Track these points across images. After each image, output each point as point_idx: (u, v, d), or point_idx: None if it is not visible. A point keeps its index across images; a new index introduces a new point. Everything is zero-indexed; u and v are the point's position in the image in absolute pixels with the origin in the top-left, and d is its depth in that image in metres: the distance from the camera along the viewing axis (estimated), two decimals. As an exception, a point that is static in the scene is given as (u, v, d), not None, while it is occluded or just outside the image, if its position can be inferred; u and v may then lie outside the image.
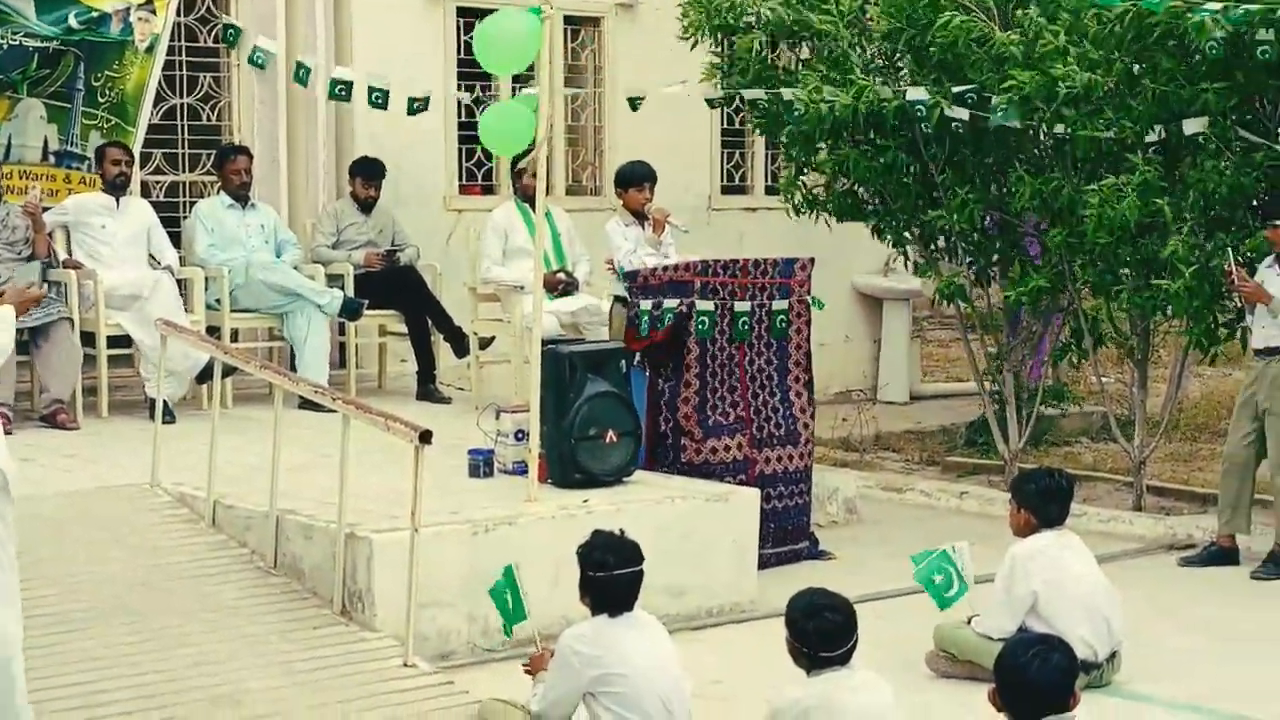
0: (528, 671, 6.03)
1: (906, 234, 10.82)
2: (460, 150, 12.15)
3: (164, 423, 8.40)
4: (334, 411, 7.30)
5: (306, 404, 9.13)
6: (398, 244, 11.18)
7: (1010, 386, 10.90)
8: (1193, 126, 9.05)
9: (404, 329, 10.98)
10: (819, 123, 9.91)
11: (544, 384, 7.75)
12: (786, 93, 10.10)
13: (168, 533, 7.54)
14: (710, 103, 11.24)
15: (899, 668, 6.71)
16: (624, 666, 5.49)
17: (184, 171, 11.33)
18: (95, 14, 9.98)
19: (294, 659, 6.51)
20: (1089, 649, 6.73)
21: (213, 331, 10.02)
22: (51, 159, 10.31)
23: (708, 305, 8.72)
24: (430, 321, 10.92)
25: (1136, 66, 9.30)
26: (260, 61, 11.07)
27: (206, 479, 7.67)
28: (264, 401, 9.19)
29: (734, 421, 8.87)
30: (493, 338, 10.85)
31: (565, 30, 12.59)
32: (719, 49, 10.91)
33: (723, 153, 13.62)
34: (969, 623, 7.01)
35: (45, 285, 9.35)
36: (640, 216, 9.77)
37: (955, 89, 9.67)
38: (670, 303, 8.66)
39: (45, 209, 9.82)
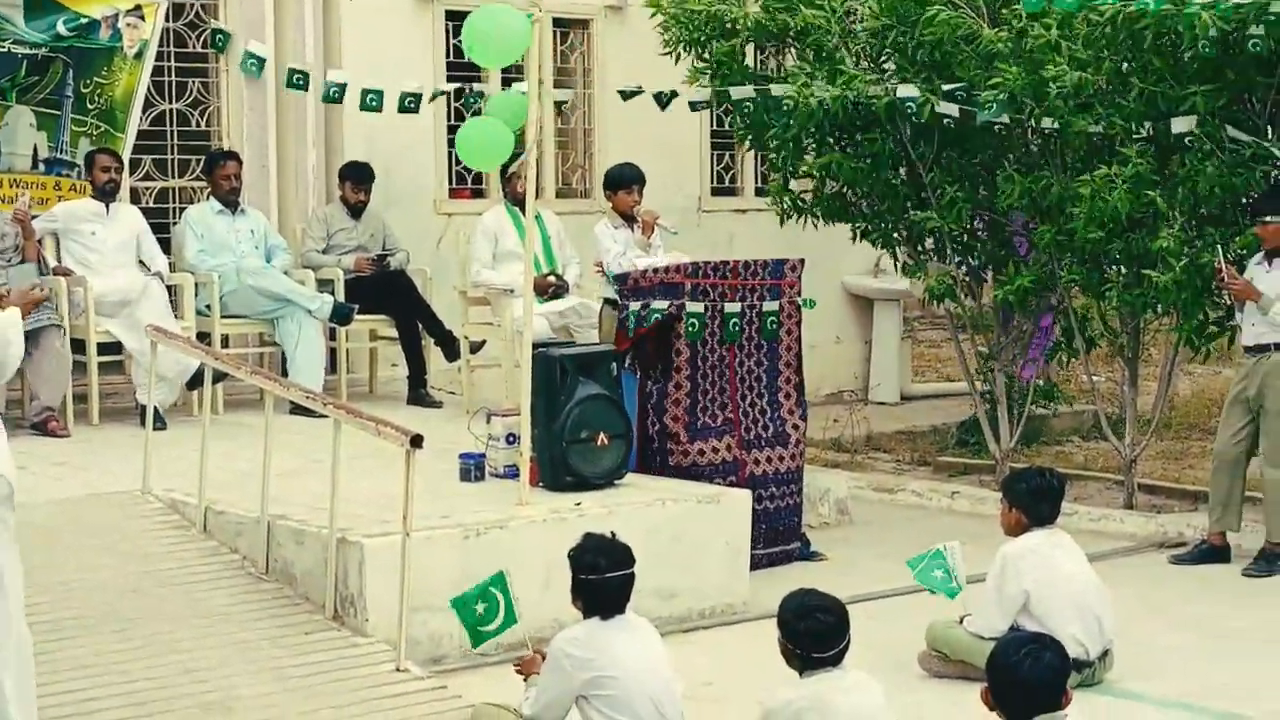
0: (519, 671, 6.03)
1: (894, 235, 10.83)
2: (450, 154, 12.13)
3: (155, 429, 8.38)
4: (325, 416, 7.31)
5: (297, 409, 9.14)
6: (388, 248, 11.17)
7: (1001, 386, 10.91)
8: (1180, 125, 9.07)
9: (394, 333, 10.97)
10: (808, 119, 9.92)
11: (535, 387, 7.75)
12: (776, 89, 10.11)
13: (159, 539, 7.54)
14: (693, 105, 11.23)
15: (891, 668, 6.73)
16: (616, 669, 5.49)
17: (173, 177, 11.32)
18: (84, 20, 9.98)
19: (286, 665, 6.51)
20: (1080, 647, 6.73)
21: (203, 337, 10.01)
22: (41, 166, 10.30)
23: (698, 307, 8.73)
24: (421, 326, 10.91)
25: (1125, 65, 9.30)
26: (253, 70, 11.06)
27: (198, 485, 7.67)
28: (255, 407, 9.20)
29: (722, 423, 8.87)
30: (483, 341, 10.86)
31: (554, 32, 12.60)
32: (702, 55, 10.89)
33: (712, 154, 13.63)
34: (961, 622, 7.02)
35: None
36: (629, 219, 9.78)
37: (945, 87, 9.68)
38: (659, 304, 8.67)
39: (34, 216, 9.81)
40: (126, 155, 10.40)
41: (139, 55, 10.26)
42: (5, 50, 9.86)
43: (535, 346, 7.93)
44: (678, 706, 5.61)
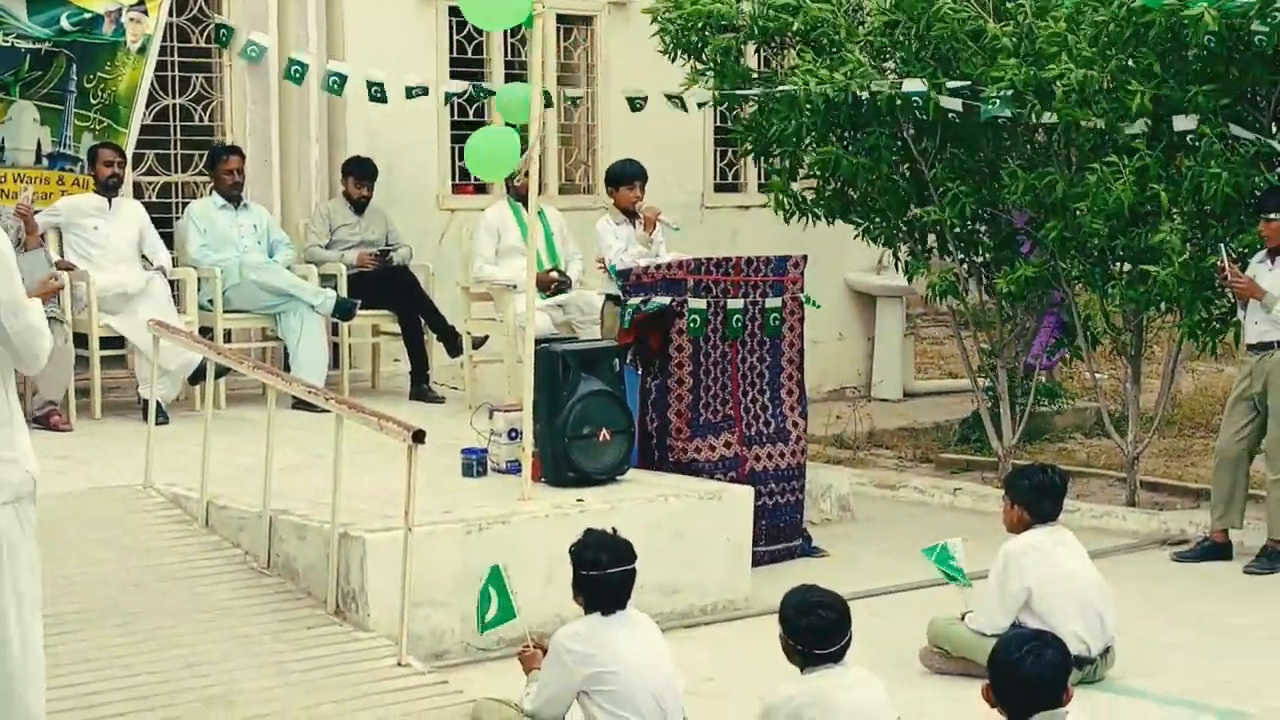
0: (521, 658, 6.03)
1: (896, 233, 10.81)
2: (453, 150, 12.14)
3: (157, 424, 8.38)
4: (327, 411, 7.30)
5: (300, 404, 9.14)
6: (391, 244, 11.18)
7: (1004, 383, 10.90)
8: (1182, 124, 9.06)
9: (397, 329, 10.97)
10: (809, 110, 9.91)
11: (537, 383, 7.75)
12: (779, 89, 10.12)
13: (161, 534, 7.54)
14: (699, 104, 11.23)
15: (893, 664, 6.73)
16: (617, 665, 5.49)
17: (176, 172, 11.33)
18: (87, 15, 9.98)
19: (287, 659, 6.51)
20: (1082, 644, 6.73)
21: (206, 332, 10.02)
22: (44, 161, 10.29)
23: (700, 303, 8.72)
24: (423, 321, 10.91)
25: (1131, 63, 9.29)
26: (254, 55, 11.07)
27: (200, 480, 7.67)
28: (257, 402, 9.20)
29: (722, 420, 8.87)
30: (486, 337, 10.86)
31: (558, 29, 12.59)
32: (700, 57, 10.88)
33: (715, 151, 13.62)
34: (963, 619, 7.02)
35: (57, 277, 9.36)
36: (631, 215, 9.78)
37: (950, 85, 9.68)
38: (661, 299, 8.66)
39: (37, 211, 9.81)
40: (130, 150, 10.40)
41: (142, 50, 10.25)
42: (8, 45, 9.87)
43: (537, 342, 7.93)
44: (679, 702, 5.62)
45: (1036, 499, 7.03)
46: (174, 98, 11.20)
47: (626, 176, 9.88)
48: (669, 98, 11.33)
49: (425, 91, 11.26)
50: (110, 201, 10.07)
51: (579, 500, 7.68)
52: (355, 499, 7.21)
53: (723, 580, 8.00)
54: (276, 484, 7.35)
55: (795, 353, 9.16)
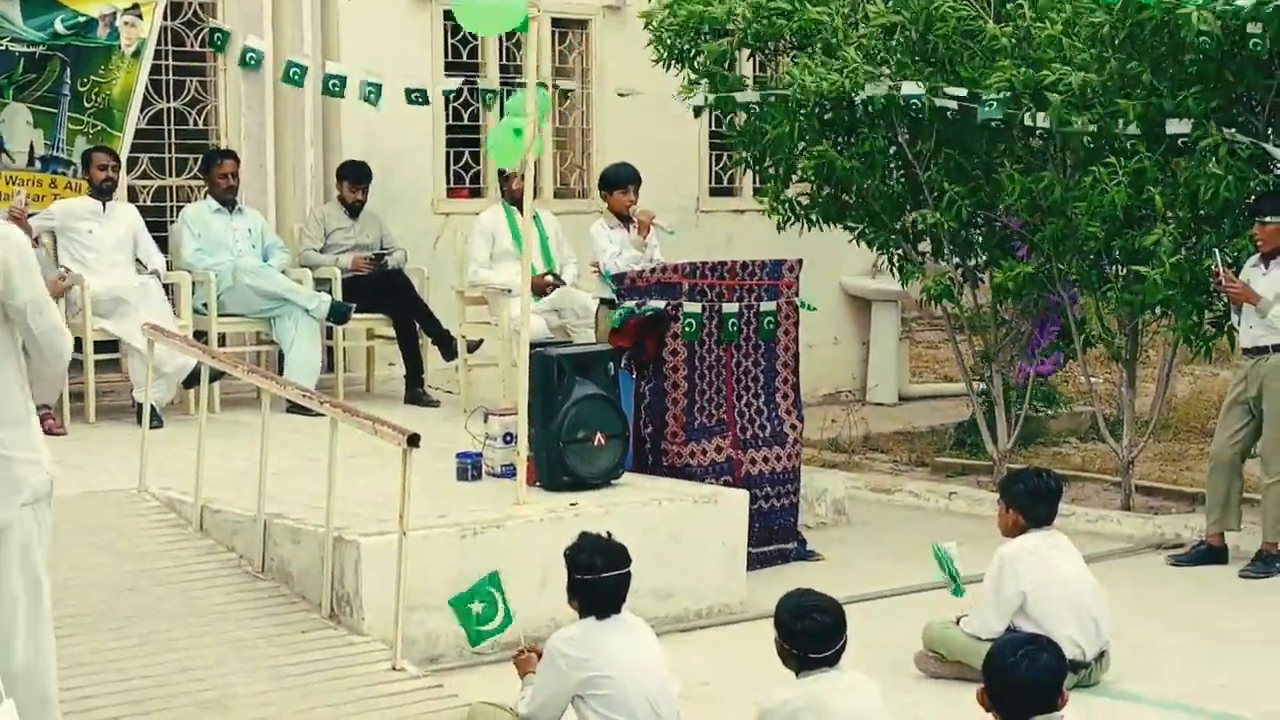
0: (516, 662, 6.02)
1: (890, 238, 10.80)
2: (448, 154, 12.15)
3: (151, 427, 8.38)
4: (322, 415, 7.30)
5: (294, 408, 9.14)
6: (385, 247, 11.17)
7: (998, 387, 10.90)
8: (1175, 127, 9.06)
9: (392, 332, 10.97)
10: (808, 116, 9.91)
11: (532, 387, 7.74)
12: (775, 91, 10.12)
13: (155, 538, 7.53)
14: (696, 111, 11.22)
15: (888, 668, 6.72)
16: (611, 669, 5.49)
17: (171, 176, 11.31)
18: (81, 19, 9.96)
19: (282, 663, 6.50)
20: (1077, 648, 6.73)
21: (200, 336, 10.01)
22: (37, 164, 10.28)
23: (695, 307, 8.72)
24: (418, 325, 10.91)
25: (1128, 66, 9.29)
26: (252, 62, 11.06)
27: (194, 484, 7.66)
28: (252, 405, 9.19)
29: (716, 423, 8.87)
30: (480, 341, 10.86)
31: (553, 32, 12.59)
32: (693, 65, 10.87)
33: (711, 155, 13.62)
34: (958, 623, 7.02)
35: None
36: (625, 219, 9.78)
37: (949, 90, 9.68)
38: (656, 303, 8.66)
39: (31, 214, 9.80)
40: (124, 154, 10.38)
41: (137, 54, 10.24)
42: (2, 48, 9.84)
43: (532, 346, 7.93)
44: (674, 706, 5.61)
45: (1032, 503, 7.03)
46: (168, 102, 11.18)
47: (620, 180, 9.88)
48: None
49: (425, 97, 11.25)
50: (104, 205, 10.05)
51: (573, 504, 7.67)
52: (350, 503, 7.21)
53: (718, 584, 7.99)
54: (271, 488, 7.34)
55: (790, 356, 9.16)
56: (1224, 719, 6.57)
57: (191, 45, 11.24)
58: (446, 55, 11.96)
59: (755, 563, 8.49)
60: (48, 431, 9.09)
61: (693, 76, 10.83)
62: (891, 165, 10.46)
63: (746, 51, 11.17)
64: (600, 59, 12.78)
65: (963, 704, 5.57)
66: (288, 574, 7.21)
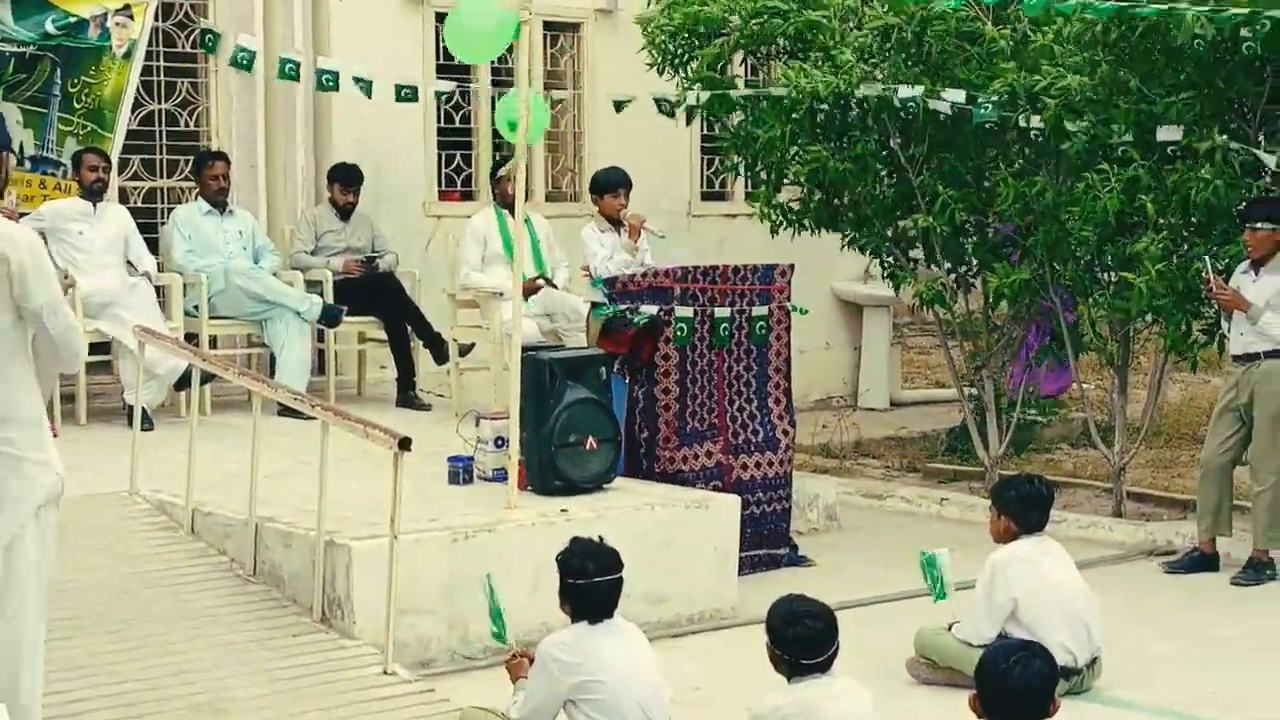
0: (508, 666, 6.01)
1: (883, 242, 10.79)
2: (440, 156, 12.14)
3: (142, 430, 8.36)
4: (313, 418, 7.28)
5: (285, 411, 9.11)
6: (377, 250, 11.15)
7: (990, 393, 10.90)
8: (1166, 134, 9.06)
9: (383, 335, 10.95)
10: (800, 119, 9.90)
11: (523, 391, 7.73)
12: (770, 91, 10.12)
13: (147, 541, 7.52)
14: (681, 115, 11.22)
15: (880, 675, 6.71)
16: (603, 674, 5.48)
17: (162, 177, 11.29)
18: (73, 19, 9.96)
19: (274, 667, 6.49)
20: (1069, 655, 6.73)
21: (191, 338, 9.99)
22: (27, 164, 10.26)
23: (687, 312, 8.71)
24: (410, 328, 10.89)
25: (1121, 71, 9.29)
26: (244, 62, 11.05)
27: (185, 486, 7.65)
28: (243, 408, 9.16)
29: (708, 428, 8.86)
30: (472, 344, 10.84)
31: (545, 36, 12.58)
32: (685, 72, 10.87)
33: (702, 159, 13.61)
34: (949, 629, 7.01)
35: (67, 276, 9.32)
36: (616, 223, 9.78)
37: (945, 94, 9.67)
38: (649, 309, 8.65)
39: (21, 215, 9.77)
40: (115, 155, 10.36)
41: (127, 55, 10.22)
42: (-7, 48, 9.85)
43: (524, 350, 7.91)
44: (665, 711, 5.60)
45: (1023, 509, 7.02)
46: (159, 103, 11.16)
47: (611, 184, 9.88)
48: (658, 101, 11.30)
49: (415, 93, 11.23)
50: (95, 206, 10.03)
51: (565, 509, 7.66)
52: (341, 506, 7.19)
53: (709, 589, 7.99)
54: (262, 491, 7.33)
55: (782, 361, 9.16)
56: (1215, 726, 6.58)
57: (183, 46, 11.23)
58: (438, 58, 11.93)
59: (747, 568, 8.49)
60: (39, 433, 9.22)
61: (686, 84, 10.81)
62: (883, 170, 10.45)
63: (739, 56, 11.15)
64: (592, 62, 12.78)
65: (954, 710, 5.55)
66: (279, 577, 7.19)
